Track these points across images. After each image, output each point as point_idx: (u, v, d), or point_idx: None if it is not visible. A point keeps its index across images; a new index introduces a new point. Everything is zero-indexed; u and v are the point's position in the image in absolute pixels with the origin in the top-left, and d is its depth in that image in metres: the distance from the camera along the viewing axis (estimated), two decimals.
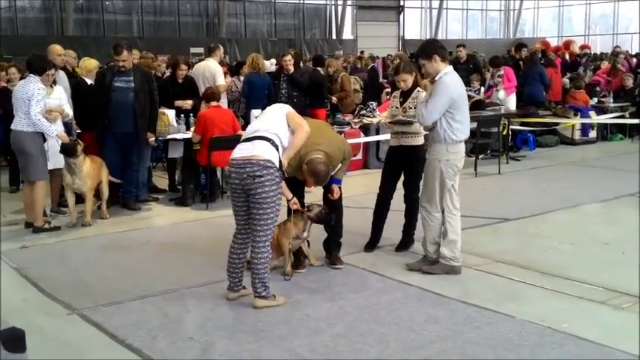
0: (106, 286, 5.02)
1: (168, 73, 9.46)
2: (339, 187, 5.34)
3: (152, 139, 7.47)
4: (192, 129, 7.69)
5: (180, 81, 8.35)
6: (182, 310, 4.53)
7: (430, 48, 5.12)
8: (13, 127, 6.56)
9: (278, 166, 4.44)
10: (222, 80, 9.22)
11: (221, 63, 12.50)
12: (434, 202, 5.19)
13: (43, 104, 6.46)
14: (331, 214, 5.31)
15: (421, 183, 5.70)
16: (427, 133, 5.39)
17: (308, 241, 5.50)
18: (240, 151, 4.51)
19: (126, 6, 28.37)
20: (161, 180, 8.83)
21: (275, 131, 4.54)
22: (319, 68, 10.89)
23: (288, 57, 9.61)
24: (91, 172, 6.76)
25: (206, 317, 4.40)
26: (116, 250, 6.03)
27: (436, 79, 5.06)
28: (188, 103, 8.22)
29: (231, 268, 4.67)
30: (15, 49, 18.53)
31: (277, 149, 4.47)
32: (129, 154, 7.34)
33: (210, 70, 9.15)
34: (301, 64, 11.22)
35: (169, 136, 7.95)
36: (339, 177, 5.35)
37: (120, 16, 28.33)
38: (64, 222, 6.86)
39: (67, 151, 6.62)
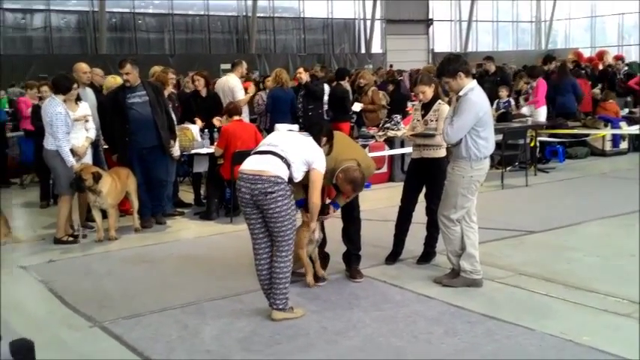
0: (128, 299, 5.10)
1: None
2: (333, 210, 5.31)
3: (177, 152, 7.55)
4: (216, 143, 7.78)
5: (203, 95, 8.45)
6: (201, 322, 4.57)
7: (453, 65, 5.02)
8: (44, 144, 6.81)
9: (287, 181, 4.44)
10: (241, 95, 9.30)
11: (247, 78, 12.69)
12: (453, 217, 5.15)
13: (66, 127, 6.68)
14: (329, 205, 5.28)
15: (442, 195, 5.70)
16: (450, 146, 5.35)
17: (327, 254, 5.51)
18: (251, 164, 4.51)
19: (158, 24, 28.87)
20: (187, 194, 8.93)
21: (289, 153, 4.52)
22: (342, 82, 10.91)
23: (301, 69, 9.85)
24: (112, 190, 6.89)
25: (224, 330, 4.43)
26: (140, 263, 6.12)
27: (461, 95, 4.99)
28: (218, 120, 8.27)
29: (265, 286, 4.62)
30: (50, 69, 18.97)
31: (288, 167, 4.46)
32: (156, 170, 7.42)
33: (229, 85, 9.27)
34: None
35: (194, 151, 8.05)
36: (339, 202, 5.30)
37: (152, 35, 28.82)
38: (93, 237, 6.98)
39: (75, 187, 6.77)
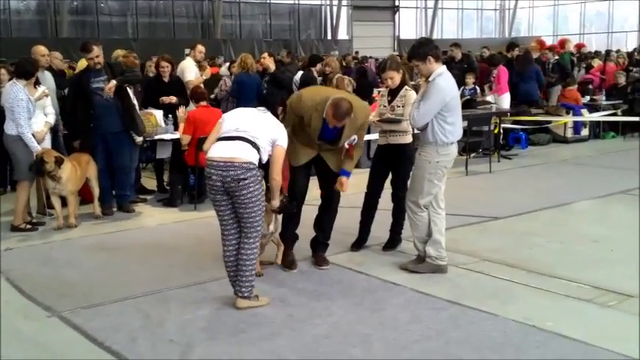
0: (88, 288, 4.97)
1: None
2: (346, 179, 5.15)
3: (139, 137, 7.40)
4: (180, 129, 7.61)
5: (165, 80, 8.28)
6: (163, 311, 4.48)
7: (424, 49, 4.99)
8: (4, 128, 6.64)
9: (258, 166, 4.41)
10: (190, 76, 9.08)
11: (213, 63, 12.46)
12: (420, 202, 5.15)
13: (28, 113, 6.51)
14: (292, 201, 5.18)
15: (409, 181, 5.69)
16: (417, 132, 5.33)
17: (297, 235, 5.48)
18: (220, 151, 4.43)
19: (121, 8, 28.30)
20: (150, 181, 8.77)
21: (259, 138, 4.46)
22: (313, 69, 10.81)
23: (265, 54, 9.72)
24: (72, 176, 6.71)
25: (187, 319, 4.35)
26: (101, 251, 5.98)
27: (429, 80, 4.98)
28: (172, 99, 8.12)
29: (231, 274, 4.53)
30: (9, 52, 18.43)
31: (258, 151, 4.42)
32: (120, 157, 7.25)
33: (182, 67, 9.09)
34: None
35: (157, 137, 7.89)
36: (348, 168, 5.18)
37: (115, 18, 28.25)
38: (52, 225, 6.80)
39: (34, 170, 6.58)
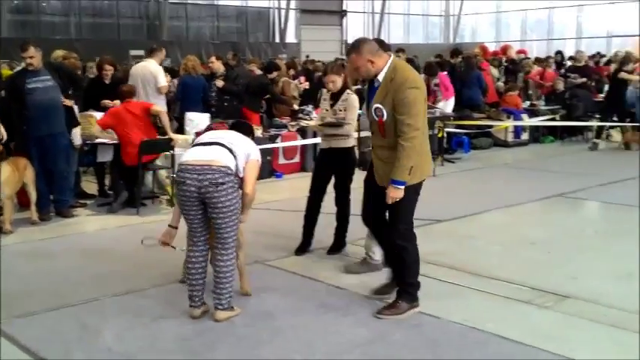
0: (23, 297, 4.80)
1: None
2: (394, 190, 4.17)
3: (78, 140, 7.21)
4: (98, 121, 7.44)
5: (107, 82, 8.10)
6: (101, 320, 4.36)
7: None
8: None
9: (235, 173, 4.25)
10: (163, 81, 9.00)
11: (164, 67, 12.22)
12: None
13: None
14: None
15: (352, 185, 5.71)
16: (365, 136, 5.33)
17: None
18: (195, 155, 4.25)
19: (63, 7, 27.54)
20: (90, 185, 8.55)
21: (234, 145, 4.32)
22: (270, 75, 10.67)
23: (213, 58, 9.70)
24: (10, 179, 6.48)
25: (126, 327, 4.24)
26: (37, 258, 5.79)
27: None
28: (115, 104, 7.96)
29: (194, 282, 4.36)
30: None
31: (235, 158, 4.25)
32: (57, 160, 7.04)
33: (151, 71, 8.90)
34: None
35: (98, 140, 7.70)
36: (397, 177, 4.13)
37: (57, 18, 27.47)
38: None
39: None
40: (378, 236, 4.75)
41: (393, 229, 4.37)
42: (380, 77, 4.21)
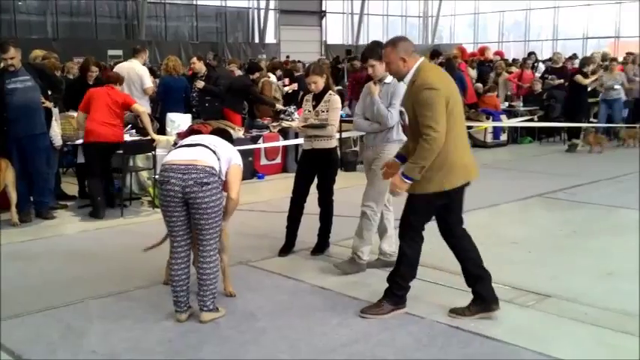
0: (6, 299, 4.73)
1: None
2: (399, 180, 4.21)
3: (58, 141, 7.14)
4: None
5: (90, 83, 8.05)
6: (86, 322, 4.34)
7: (381, 50, 4.96)
8: None
9: (219, 175, 4.25)
10: (149, 83, 8.97)
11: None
12: (380, 202, 5.21)
13: None
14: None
15: (335, 186, 5.74)
16: (363, 134, 5.38)
17: None
18: (179, 155, 4.25)
19: (40, 6, 27.26)
20: (71, 186, 8.48)
21: (218, 147, 4.33)
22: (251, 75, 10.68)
23: (195, 59, 9.69)
24: None
25: (111, 329, 4.22)
26: (18, 260, 5.73)
27: (388, 81, 5.13)
28: None
29: (178, 287, 4.32)
30: None
31: (219, 160, 4.25)
32: (37, 161, 6.97)
33: (137, 72, 8.86)
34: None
35: (78, 141, 7.64)
36: (406, 172, 4.17)
37: (34, 17, 27.20)
38: None
39: None
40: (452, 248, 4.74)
41: (400, 229, 4.44)
42: (406, 79, 4.29)
